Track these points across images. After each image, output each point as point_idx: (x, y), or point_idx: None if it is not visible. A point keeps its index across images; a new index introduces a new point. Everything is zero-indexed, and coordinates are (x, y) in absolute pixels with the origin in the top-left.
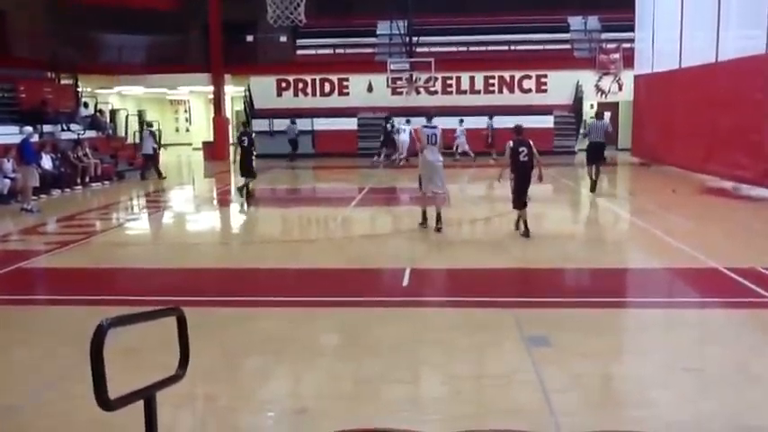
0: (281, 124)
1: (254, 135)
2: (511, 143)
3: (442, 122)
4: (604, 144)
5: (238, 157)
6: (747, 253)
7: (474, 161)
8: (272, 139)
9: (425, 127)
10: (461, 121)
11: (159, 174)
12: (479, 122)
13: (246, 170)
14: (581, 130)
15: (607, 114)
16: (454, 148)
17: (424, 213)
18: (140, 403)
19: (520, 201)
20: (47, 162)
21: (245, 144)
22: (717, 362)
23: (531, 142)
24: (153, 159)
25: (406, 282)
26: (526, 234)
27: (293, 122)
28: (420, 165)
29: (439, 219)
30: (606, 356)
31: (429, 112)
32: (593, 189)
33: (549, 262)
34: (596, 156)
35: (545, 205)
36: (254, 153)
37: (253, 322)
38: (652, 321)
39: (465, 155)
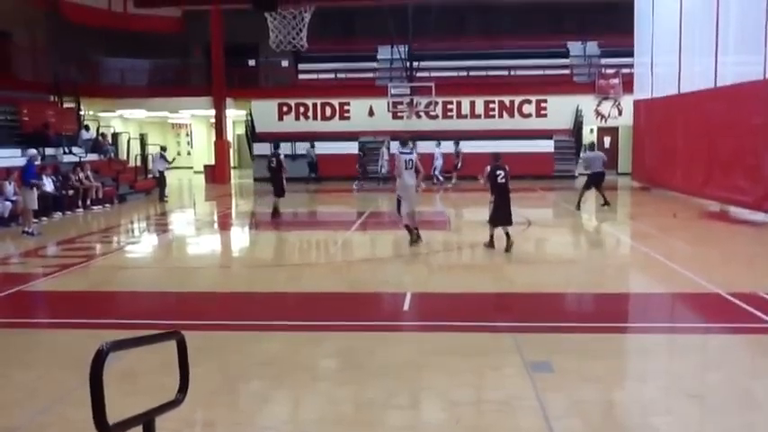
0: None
1: (282, 156)
2: (489, 168)
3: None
4: (604, 172)
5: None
6: (749, 278)
7: (452, 185)
8: None
9: (402, 153)
10: (439, 143)
11: (162, 197)
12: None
13: (275, 191)
14: (580, 162)
15: (607, 139)
16: (432, 171)
17: (410, 231)
18: (139, 428)
19: (497, 219)
20: (48, 185)
21: (274, 165)
22: (719, 388)
23: (507, 168)
24: (162, 181)
25: (406, 306)
26: (508, 248)
27: (312, 146)
28: (399, 188)
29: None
30: (608, 382)
31: (403, 137)
32: (578, 208)
33: (550, 286)
34: (598, 182)
35: (546, 229)
36: (284, 175)
37: (253, 346)
38: (654, 346)
39: (446, 178)
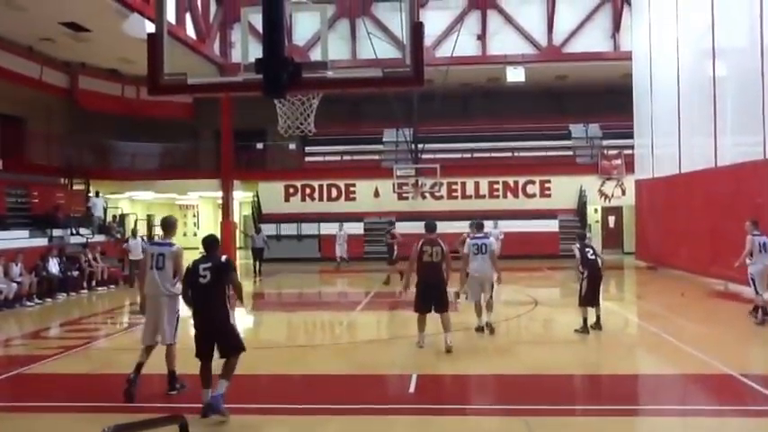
0: (288, 228)
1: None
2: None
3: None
4: None
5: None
6: (761, 358)
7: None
8: (279, 243)
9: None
10: (496, 224)
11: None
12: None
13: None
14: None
15: (611, 218)
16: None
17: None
18: None
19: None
20: (53, 266)
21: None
22: None
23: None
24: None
25: (412, 388)
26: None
27: (258, 231)
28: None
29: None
30: None
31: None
32: None
33: (560, 367)
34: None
35: (553, 309)
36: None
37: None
38: (667, 430)
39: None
